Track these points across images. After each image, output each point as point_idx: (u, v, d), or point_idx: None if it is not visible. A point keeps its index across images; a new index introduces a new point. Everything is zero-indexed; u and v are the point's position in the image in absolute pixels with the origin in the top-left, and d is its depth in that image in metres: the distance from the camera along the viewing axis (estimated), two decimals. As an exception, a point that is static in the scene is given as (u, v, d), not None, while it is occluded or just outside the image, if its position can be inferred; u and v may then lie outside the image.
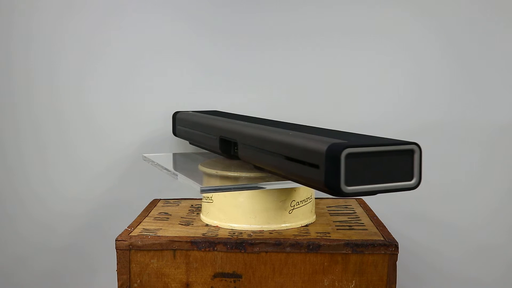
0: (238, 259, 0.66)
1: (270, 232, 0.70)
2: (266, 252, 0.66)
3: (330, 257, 0.66)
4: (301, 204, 0.72)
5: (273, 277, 0.66)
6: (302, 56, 0.94)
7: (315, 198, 0.87)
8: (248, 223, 0.71)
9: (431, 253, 0.96)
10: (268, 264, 0.66)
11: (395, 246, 0.65)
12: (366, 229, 0.71)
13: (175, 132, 0.91)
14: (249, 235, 0.68)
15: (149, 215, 0.79)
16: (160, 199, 0.90)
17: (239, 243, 0.66)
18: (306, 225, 0.73)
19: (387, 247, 0.65)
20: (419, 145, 0.55)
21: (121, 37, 0.94)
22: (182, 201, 0.89)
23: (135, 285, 0.67)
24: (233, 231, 0.70)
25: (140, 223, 0.75)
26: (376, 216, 0.79)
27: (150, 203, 0.88)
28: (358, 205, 0.86)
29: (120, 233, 0.70)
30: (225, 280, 0.67)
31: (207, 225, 0.74)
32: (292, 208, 0.72)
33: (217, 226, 0.73)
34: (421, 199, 0.95)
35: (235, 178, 0.69)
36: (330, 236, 0.68)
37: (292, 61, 0.94)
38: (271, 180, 0.66)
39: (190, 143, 0.90)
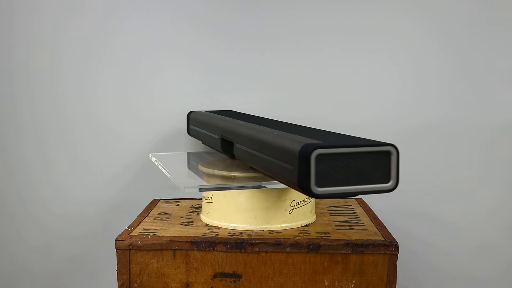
0: (238, 259, 0.66)
1: (270, 232, 0.70)
2: (266, 252, 0.66)
3: (330, 257, 0.66)
4: (301, 204, 0.72)
5: (273, 277, 0.66)
6: (302, 56, 0.94)
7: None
8: (248, 223, 0.71)
9: (431, 253, 0.96)
10: (268, 264, 0.66)
11: (395, 246, 0.65)
12: (366, 229, 0.71)
13: (189, 132, 0.91)
14: (249, 235, 0.68)
15: (149, 215, 0.79)
16: (160, 199, 0.90)
17: (239, 243, 0.66)
18: (306, 225, 0.73)
19: (387, 247, 0.65)
20: (396, 146, 0.54)
21: (121, 37, 0.94)
22: (182, 201, 0.89)
23: (135, 285, 0.67)
24: (233, 231, 0.70)
25: (140, 223, 0.75)
26: (376, 216, 0.79)
27: (150, 203, 0.88)
28: (358, 205, 0.86)
29: (120, 233, 0.70)
30: (225, 280, 0.67)
31: (207, 225, 0.74)
32: (292, 208, 0.72)
33: (217, 226, 0.73)
34: (421, 199, 0.95)
35: (227, 178, 0.69)
36: (330, 236, 0.68)
37: (292, 61, 0.94)
38: (266, 180, 0.66)
39: (202, 143, 0.90)
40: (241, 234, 0.69)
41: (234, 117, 0.78)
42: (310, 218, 0.75)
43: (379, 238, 0.67)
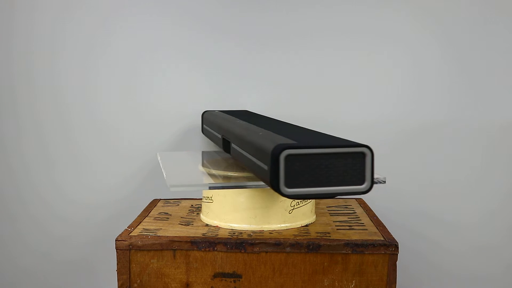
0: (238, 259, 0.66)
1: (270, 232, 0.70)
2: (266, 252, 0.66)
3: (330, 257, 0.66)
4: (301, 204, 0.72)
5: (273, 277, 0.66)
6: (302, 56, 0.94)
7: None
8: (248, 223, 0.71)
9: (431, 253, 0.96)
10: (268, 264, 0.66)
11: (395, 246, 0.65)
12: (366, 229, 0.71)
13: (203, 131, 0.91)
14: (249, 235, 0.68)
15: (149, 215, 0.79)
16: (160, 199, 0.90)
17: (239, 243, 0.66)
18: (306, 225, 0.73)
19: (387, 247, 0.65)
20: (370, 148, 0.53)
21: (121, 37, 0.94)
22: (182, 201, 0.89)
23: (135, 285, 0.67)
24: (233, 231, 0.70)
25: (140, 223, 0.75)
26: (376, 216, 0.79)
27: (150, 203, 0.88)
28: (358, 205, 0.86)
29: (120, 233, 0.69)
30: (225, 280, 0.67)
31: (207, 225, 0.74)
32: (292, 208, 0.72)
33: (217, 226, 0.73)
34: (421, 199, 0.95)
35: (224, 178, 0.69)
36: (330, 236, 0.68)
37: (293, 61, 0.94)
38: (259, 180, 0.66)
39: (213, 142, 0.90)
40: (241, 234, 0.69)
41: (240, 118, 0.78)
42: (310, 218, 0.75)
43: (379, 238, 0.67)
